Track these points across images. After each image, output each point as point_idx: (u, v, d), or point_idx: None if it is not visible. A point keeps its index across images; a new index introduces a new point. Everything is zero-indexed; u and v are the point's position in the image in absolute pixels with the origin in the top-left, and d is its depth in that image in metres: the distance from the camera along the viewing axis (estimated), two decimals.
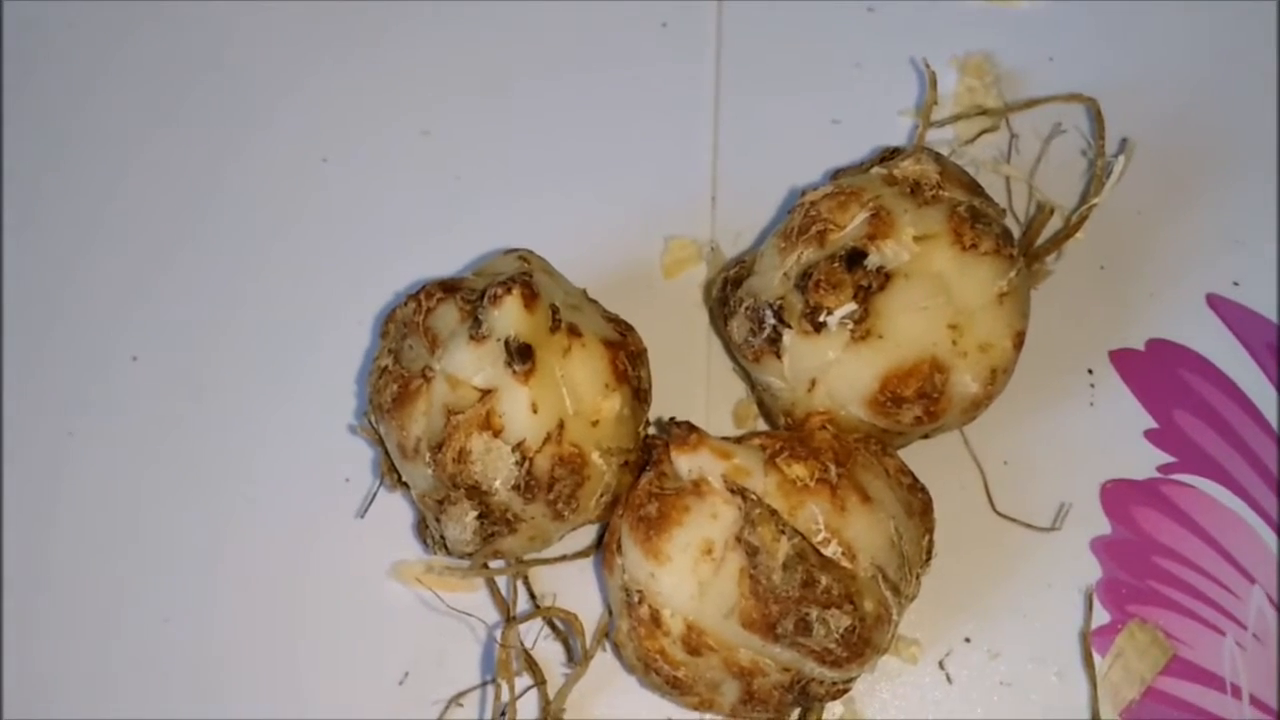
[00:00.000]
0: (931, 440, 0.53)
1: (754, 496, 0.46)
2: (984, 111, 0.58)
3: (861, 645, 0.45)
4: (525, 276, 0.47)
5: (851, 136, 0.60)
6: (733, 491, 0.46)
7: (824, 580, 0.45)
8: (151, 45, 0.64)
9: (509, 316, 0.46)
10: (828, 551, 0.45)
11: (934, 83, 0.55)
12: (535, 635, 0.53)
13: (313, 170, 0.61)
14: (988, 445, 0.55)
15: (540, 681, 0.52)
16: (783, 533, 0.45)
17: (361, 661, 0.54)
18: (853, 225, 0.48)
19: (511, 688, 0.50)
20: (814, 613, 0.45)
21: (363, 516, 0.55)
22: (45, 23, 0.64)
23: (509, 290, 0.46)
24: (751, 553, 0.45)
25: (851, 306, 0.47)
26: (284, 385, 0.58)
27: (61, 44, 0.64)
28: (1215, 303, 0.57)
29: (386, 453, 0.51)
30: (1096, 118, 0.55)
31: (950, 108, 0.59)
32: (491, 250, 0.57)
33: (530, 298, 0.46)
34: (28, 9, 0.64)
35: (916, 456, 0.52)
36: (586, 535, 0.54)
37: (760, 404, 0.55)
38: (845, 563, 0.45)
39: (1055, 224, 0.56)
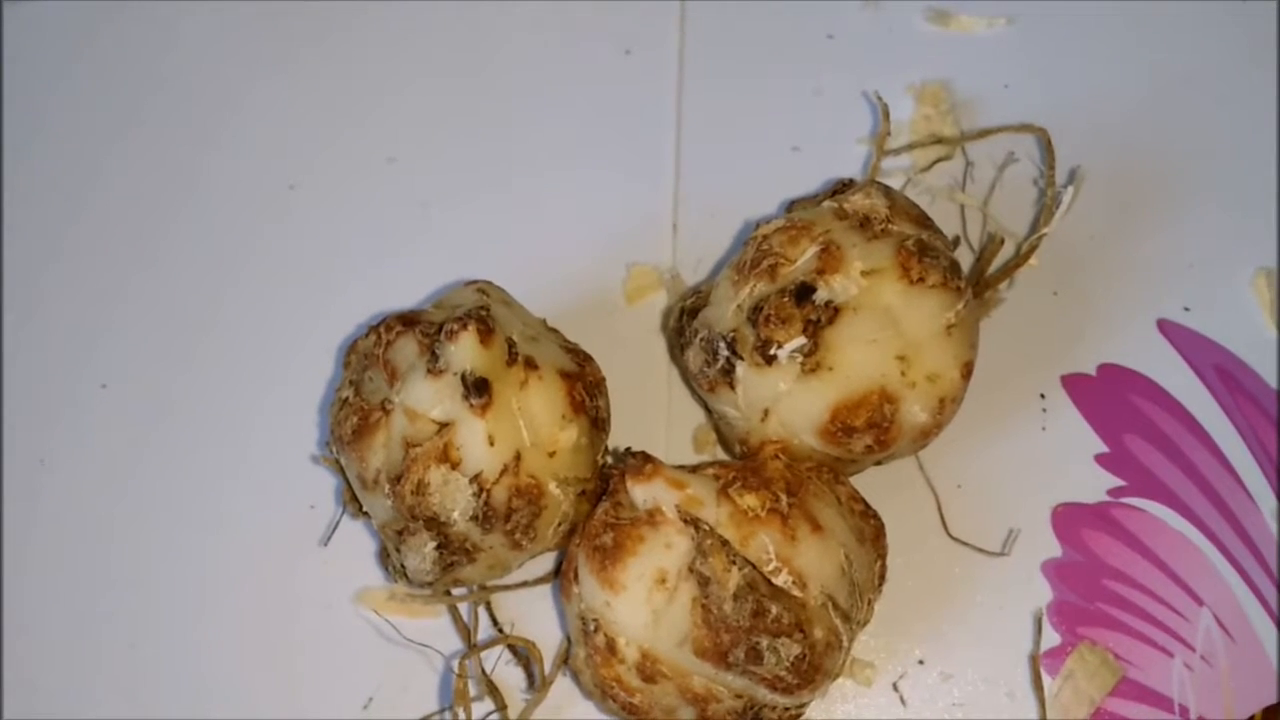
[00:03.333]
0: (886, 465, 0.54)
1: (706, 527, 0.47)
2: (939, 140, 0.59)
3: (812, 672, 0.46)
4: (482, 311, 0.48)
5: (811, 163, 0.61)
6: (686, 522, 0.47)
7: (774, 609, 0.46)
8: (115, 73, 0.64)
9: (465, 351, 0.47)
10: (778, 581, 0.46)
11: (886, 115, 0.55)
12: (496, 661, 0.54)
13: (280, 197, 0.62)
14: (942, 469, 0.56)
15: (501, 706, 0.53)
16: (733, 563, 0.46)
17: (326, 686, 0.55)
18: (803, 259, 0.49)
19: (469, 715, 0.51)
20: (764, 641, 0.45)
21: (326, 544, 0.56)
22: (8, 44, 0.65)
23: (465, 326, 0.47)
24: (703, 583, 0.46)
25: (801, 340, 0.48)
26: (250, 413, 0.59)
27: (23, 74, 0.65)
28: (1166, 328, 0.58)
29: (348, 482, 0.52)
30: (1047, 148, 0.56)
31: (907, 135, 0.60)
32: (458, 276, 0.58)
33: (486, 333, 0.47)
34: None
35: (871, 481, 0.53)
36: (548, 561, 0.55)
37: (717, 431, 0.56)
38: (796, 591, 0.46)
39: (1009, 251, 0.57)
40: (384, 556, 0.52)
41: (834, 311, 0.48)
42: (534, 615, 0.55)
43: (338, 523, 0.56)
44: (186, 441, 0.59)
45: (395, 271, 0.60)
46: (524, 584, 0.54)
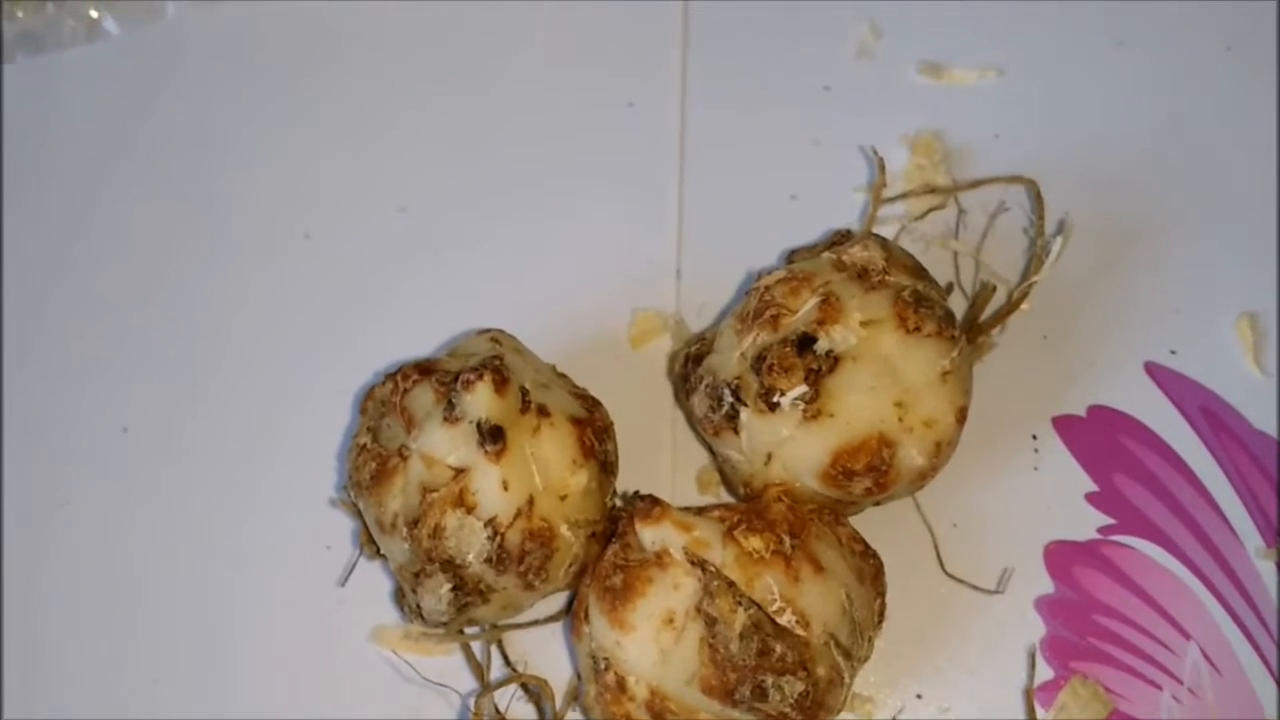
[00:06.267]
0: (885, 506, 0.56)
1: (713, 568, 0.48)
2: (932, 189, 0.61)
3: (815, 709, 0.48)
4: (496, 361, 0.50)
5: (809, 212, 0.62)
6: (693, 563, 0.48)
7: (778, 648, 0.47)
8: (135, 122, 0.66)
9: (481, 400, 0.49)
10: (783, 620, 0.48)
11: (882, 167, 0.57)
12: (509, 698, 0.55)
13: (296, 245, 0.64)
14: (938, 508, 0.58)
15: None
16: (739, 604, 0.48)
17: None
18: (804, 310, 0.51)
19: None
20: (769, 679, 0.47)
21: (343, 584, 0.58)
22: (27, 96, 0.67)
23: (480, 376, 0.49)
24: (710, 623, 0.47)
25: (803, 388, 0.50)
26: (268, 457, 0.60)
27: (39, 128, 0.67)
28: (1153, 370, 0.60)
29: (365, 525, 0.53)
30: (1036, 198, 0.58)
31: (901, 184, 0.62)
32: (469, 322, 0.59)
33: (501, 383, 0.49)
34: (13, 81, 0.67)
35: (870, 521, 0.55)
36: (558, 600, 0.57)
37: (721, 473, 0.58)
38: (799, 631, 0.48)
39: (1000, 297, 0.58)
40: (399, 597, 0.53)
41: (834, 361, 0.50)
42: (545, 653, 0.57)
43: (355, 564, 0.57)
44: (206, 484, 0.60)
45: (408, 318, 0.62)
46: (535, 623, 0.56)
